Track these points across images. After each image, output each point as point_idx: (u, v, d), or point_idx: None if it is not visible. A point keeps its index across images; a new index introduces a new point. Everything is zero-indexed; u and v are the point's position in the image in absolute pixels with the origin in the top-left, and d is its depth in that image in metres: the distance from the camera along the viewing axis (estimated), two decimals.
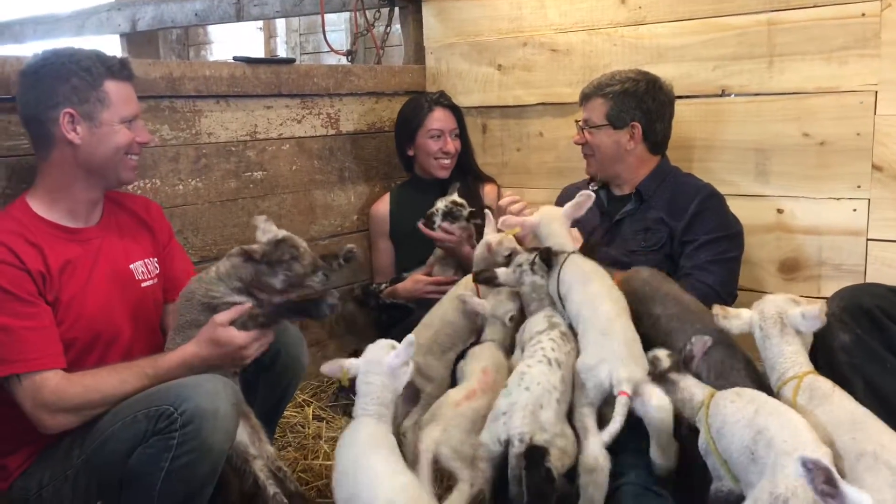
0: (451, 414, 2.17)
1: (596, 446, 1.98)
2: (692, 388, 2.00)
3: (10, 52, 2.42)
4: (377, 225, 3.43)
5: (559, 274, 2.32)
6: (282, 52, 6.72)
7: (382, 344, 2.07)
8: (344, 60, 4.04)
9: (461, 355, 2.55)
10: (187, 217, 2.84)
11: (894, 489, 1.61)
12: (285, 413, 3.05)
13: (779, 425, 1.71)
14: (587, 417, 2.07)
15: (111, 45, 5.24)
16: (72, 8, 5.68)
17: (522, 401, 2.02)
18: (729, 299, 2.62)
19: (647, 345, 2.21)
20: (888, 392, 1.99)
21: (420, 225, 3.03)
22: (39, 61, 2.11)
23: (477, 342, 2.53)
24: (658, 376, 2.02)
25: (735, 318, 2.06)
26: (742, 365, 2.08)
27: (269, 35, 6.69)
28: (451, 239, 3.00)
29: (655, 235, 2.72)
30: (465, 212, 3.02)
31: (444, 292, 2.80)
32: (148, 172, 2.70)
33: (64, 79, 2.07)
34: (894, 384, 1.99)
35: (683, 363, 2.06)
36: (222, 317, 2.06)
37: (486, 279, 2.49)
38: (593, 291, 2.23)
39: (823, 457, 1.60)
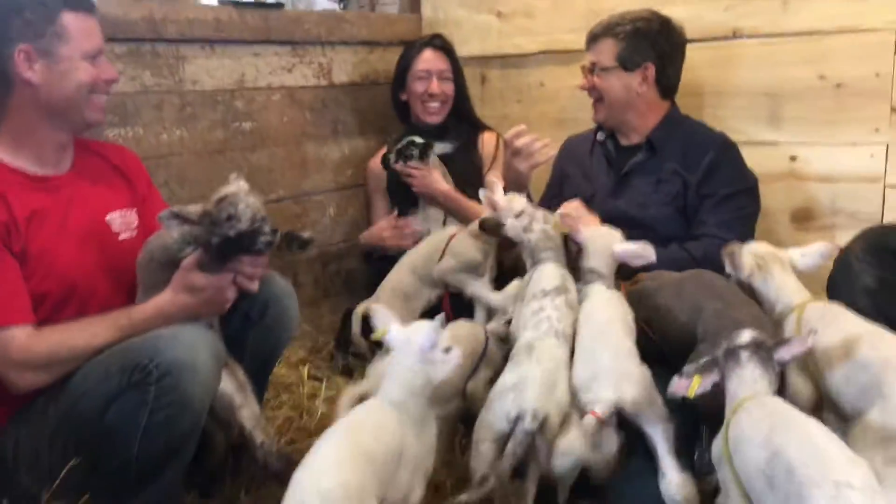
0: None
1: (574, 432, 1.87)
2: (742, 384, 1.68)
3: None
4: (374, 180, 3.33)
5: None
6: None
7: (421, 324, 1.84)
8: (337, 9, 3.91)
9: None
10: (172, 168, 2.73)
11: None
12: (279, 373, 2.98)
13: (799, 447, 1.45)
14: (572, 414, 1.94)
15: None
16: None
17: (535, 375, 1.90)
18: None
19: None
20: None
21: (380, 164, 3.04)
22: None
23: None
24: (727, 352, 1.73)
25: (740, 266, 2.05)
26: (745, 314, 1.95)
27: None
28: (413, 179, 2.96)
29: (668, 187, 2.61)
30: (416, 150, 2.95)
31: (406, 239, 2.90)
32: (130, 120, 2.59)
33: (16, 12, 1.95)
34: None
35: (769, 350, 1.72)
36: (190, 261, 1.97)
37: (492, 227, 2.39)
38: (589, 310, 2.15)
39: (858, 478, 1.37)
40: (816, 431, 1.49)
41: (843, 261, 2.03)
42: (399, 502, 1.70)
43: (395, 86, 3.28)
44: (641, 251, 2.23)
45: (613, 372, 1.91)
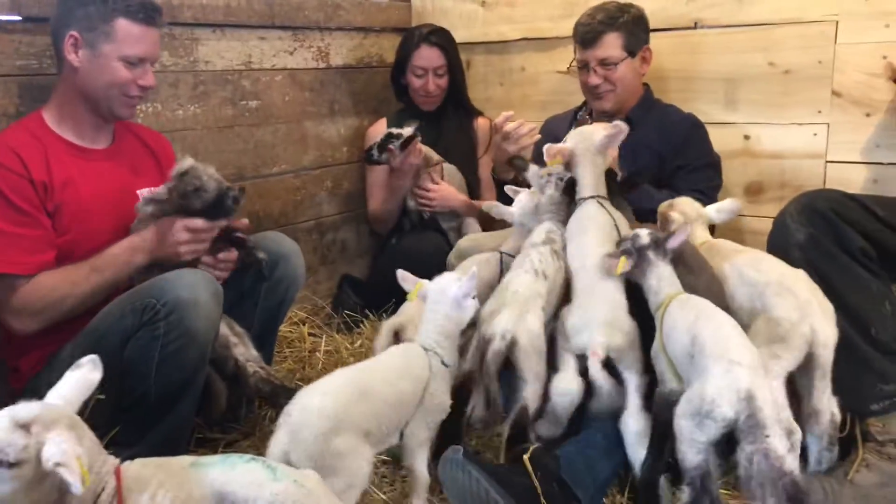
0: None
1: (571, 374, 2.09)
2: (662, 280, 2.07)
3: None
4: None
5: (572, 216, 2.38)
6: None
7: (450, 276, 2.10)
8: None
9: None
10: (186, 141, 2.95)
11: (798, 310, 1.98)
12: (282, 331, 3.22)
13: (710, 331, 1.84)
14: (568, 358, 2.13)
15: None
16: None
17: (508, 301, 2.13)
18: None
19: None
20: (839, 286, 2.19)
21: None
22: None
23: None
24: (637, 251, 2.09)
25: (671, 221, 2.38)
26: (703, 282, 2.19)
27: None
28: (432, 200, 3.22)
29: (643, 160, 2.84)
30: (398, 142, 3.10)
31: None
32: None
33: (82, 3, 2.16)
34: (844, 279, 2.20)
35: (664, 243, 2.10)
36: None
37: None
38: (586, 243, 2.25)
39: (747, 359, 1.75)
40: (726, 323, 1.89)
41: (780, 220, 2.30)
42: (409, 438, 1.92)
43: (395, 69, 3.49)
44: (614, 129, 2.36)
45: (606, 320, 2.09)
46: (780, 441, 1.69)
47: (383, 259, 3.45)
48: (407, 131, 3.13)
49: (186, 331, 2.01)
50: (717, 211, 2.43)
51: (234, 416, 2.54)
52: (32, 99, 2.40)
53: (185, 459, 1.53)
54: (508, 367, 2.13)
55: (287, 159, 3.39)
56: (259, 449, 2.40)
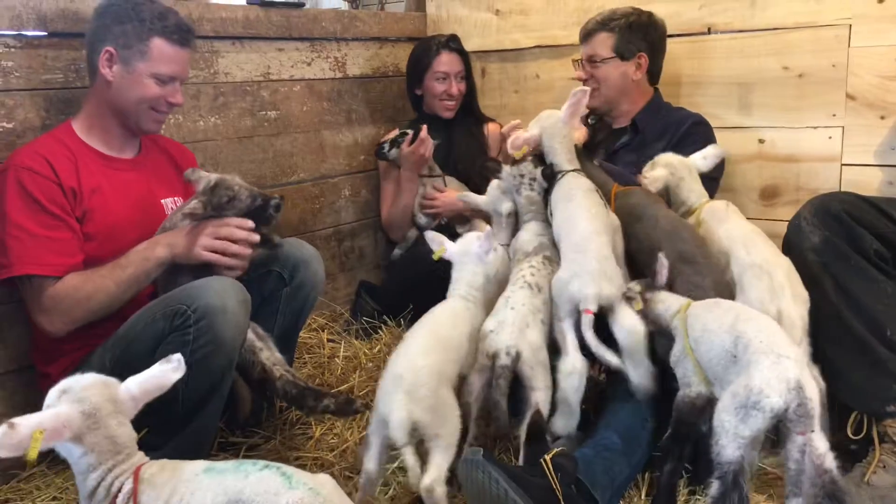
0: None
1: (573, 352, 2.14)
2: (668, 299, 2.15)
3: None
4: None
5: (552, 192, 2.43)
6: None
7: (470, 236, 2.41)
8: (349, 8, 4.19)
9: None
10: (207, 152, 3.02)
11: (770, 293, 2.11)
12: (302, 337, 3.27)
13: (756, 329, 1.88)
14: (566, 331, 2.18)
15: None
16: None
17: (510, 318, 2.17)
18: None
19: (638, 264, 2.39)
20: (853, 288, 2.19)
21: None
22: (112, 0, 2.29)
23: None
24: (639, 300, 2.17)
25: (654, 178, 2.51)
26: (709, 282, 2.24)
27: None
28: (437, 206, 3.34)
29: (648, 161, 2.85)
30: (392, 140, 3.30)
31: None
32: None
33: (120, 21, 2.24)
34: (859, 281, 2.19)
35: (652, 282, 2.20)
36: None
37: (492, 168, 2.61)
38: (573, 209, 2.31)
39: (794, 354, 1.80)
40: (769, 321, 1.96)
41: (794, 223, 2.30)
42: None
43: (410, 81, 3.55)
44: (574, 97, 2.45)
45: (596, 270, 2.15)
46: (820, 439, 1.72)
47: (396, 265, 3.51)
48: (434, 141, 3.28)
49: (215, 337, 2.04)
50: (703, 158, 2.56)
51: (256, 420, 2.59)
52: (58, 112, 2.47)
53: (199, 465, 1.55)
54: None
55: (305, 168, 3.45)
56: (280, 453, 2.45)
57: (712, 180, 2.76)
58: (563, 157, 2.46)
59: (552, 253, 2.39)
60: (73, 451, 1.51)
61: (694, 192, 2.54)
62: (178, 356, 1.62)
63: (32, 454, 1.40)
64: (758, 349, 1.81)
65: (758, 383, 1.74)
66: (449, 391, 2.02)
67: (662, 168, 2.54)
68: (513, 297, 2.24)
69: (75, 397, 1.50)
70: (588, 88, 2.52)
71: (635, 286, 2.22)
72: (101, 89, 2.30)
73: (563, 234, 2.31)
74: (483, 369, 2.15)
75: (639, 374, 2.13)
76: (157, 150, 2.54)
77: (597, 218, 2.29)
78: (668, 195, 2.58)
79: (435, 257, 2.39)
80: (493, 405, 2.09)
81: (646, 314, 2.16)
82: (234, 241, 2.23)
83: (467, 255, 2.36)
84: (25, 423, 1.41)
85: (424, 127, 3.26)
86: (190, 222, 2.25)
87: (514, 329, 2.14)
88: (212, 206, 2.24)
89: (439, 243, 2.40)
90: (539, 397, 2.12)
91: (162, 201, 2.48)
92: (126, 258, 2.21)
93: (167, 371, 1.60)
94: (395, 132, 3.41)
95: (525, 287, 2.26)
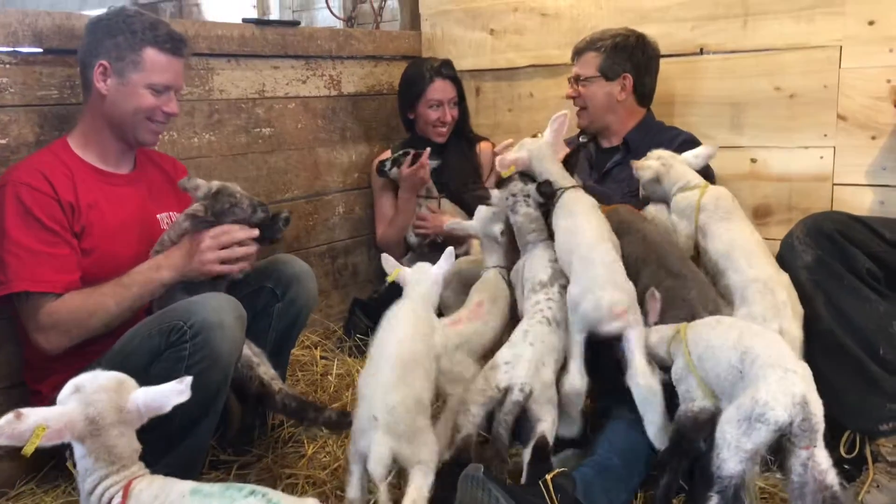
0: None
1: (576, 373, 2.15)
2: (660, 330, 2.16)
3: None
4: (379, 178, 3.57)
5: (554, 209, 2.44)
6: None
7: (423, 265, 2.29)
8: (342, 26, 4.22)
9: None
10: (202, 168, 3.02)
11: (774, 310, 2.14)
12: (295, 354, 3.26)
13: (763, 344, 1.88)
14: (576, 345, 2.19)
15: None
16: None
17: (527, 355, 2.16)
18: None
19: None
20: (846, 307, 2.21)
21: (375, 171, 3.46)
22: (104, 15, 2.31)
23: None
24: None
25: (646, 168, 2.54)
26: (695, 294, 2.25)
27: (263, 12, 6.83)
28: (427, 227, 3.35)
29: (637, 182, 2.87)
30: (407, 158, 3.31)
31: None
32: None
33: (112, 35, 2.25)
34: (852, 299, 2.21)
35: (645, 319, 2.20)
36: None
37: (479, 196, 2.63)
38: (577, 222, 2.33)
39: (802, 371, 1.80)
40: (775, 337, 1.97)
41: (787, 242, 2.32)
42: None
43: (403, 105, 3.54)
44: (557, 123, 2.54)
45: (607, 281, 2.17)
46: (823, 455, 1.72)
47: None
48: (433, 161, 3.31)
49: (211, 353, 2.03)
50: (694, 156, 2.60)
51: (248, 437, 2.57)
52: (52, 128, 2.47)
53: (186, 485, 1.55)
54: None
55: (300, 185, 3.45)
56: (272, 471, 2.43)
57: None
58: (558, 175, 2.49)
59: (565, 282, 2.36)
60: (78, 449, 1.54)
61: (686, 174, 2.54)
62: (189, 379, 1.62)
63: (30, 448, 1.43)
64: (766, 363, 1.82)
65: (764, 396, 1.74)
66: (425, 417, 1.96)
67: (654, 160, 2.58)
68: (532, 332, 2.22)
69: (85, 399, 1.53)
70: (567, 112, 2.61)
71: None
72: (96, 104, 2.31)
73: (569, 249, 2.31)
74: (488, 401, 2.13)
75: (653, 427, 2.10)
76: (152, 166, 2.55)
77: (600, 229, 2.33)
78: (658, 186, 2.60)
79: (388, 280, 2.29)
80: (496, 437, 2.10)
81: None
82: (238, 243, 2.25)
83: (426, 274, 2.24)
84: (33, 416, 1.44)
85: (427, 150, 3.26)
86: (191, 224, 2.26)
87: (531, 367, 2.14)
88: (212, 212, 2.25)
89: (392, 266, 2.29)
90: (545, 427, 2.12)
91: (157, 216, 2.48)
92: (129, 277, 2.21)
93: (174, 392, 1.61)
94: (387, 153, 3.46)
95: (544, 322, 2.25)
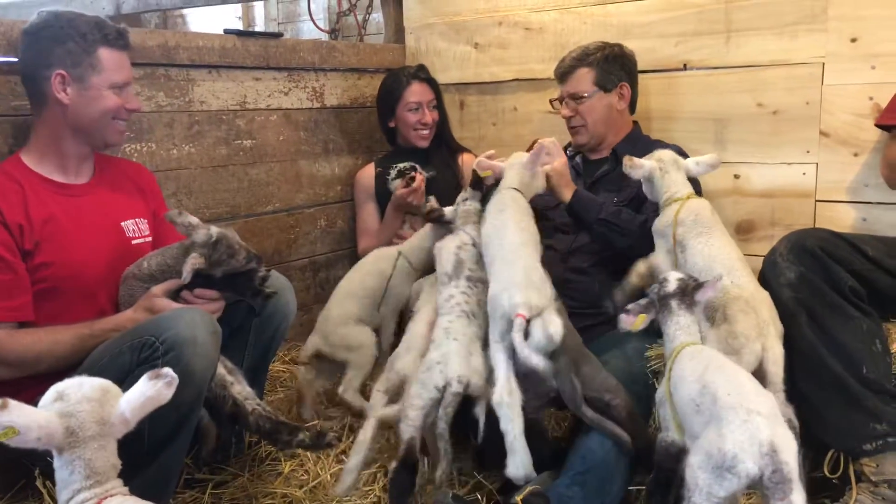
0: (424, 343, 2.36)
1: (503, 382, 2.07)
2: (680, 329, 2.03)
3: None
4: (364, 188, 3.56)
5: (488, 203, 2.51)
6: None
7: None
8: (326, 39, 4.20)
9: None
10: (181, 180, 2.98)
11: (757, 329, 2.10)
12: (275, 369, 3.22)
13: (723, 380, 1.79)
14: (498, 353, 2.11)
15: None
16: None
17: (454, 349, 2.20)
18: None
19: None
20: (829, 324, 2.19)
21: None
22: (41, 22, 2.23)
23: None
24: (660, 299, 2.07)
25: (638, 167, 2.51)
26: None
27: (248, 24, 6.79)
28: (397, 201, 3.30)
29: (626, 191, 2.87)
30: (399, 170, 3.30)
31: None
32: (144, 136, 2.84)
33: (60, 42, 2.19)
34: (835, 317, 2.20)
35: (691, 294, 2.06)
36: (159, 288, 2.21)
37: (436, 217, 2.74)
38: (504, 219, 2.37)
39: (765, 408, 1.69)
40: (739, 373, 1.85)
41: (770, 259, 2.30)
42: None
43: (382, 114, 3.53)
44: (536, 148, 2.59)
45: (523, 282, 2.15)
46: (799, 496, 1.62)
47: None
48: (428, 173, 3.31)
49: (183, 369, 1.93)
50: (695, 163, 2.55)
51: (224, 456, 2.52)
52: (26, 139, 2.41)
53: None
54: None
55: (281, 198, 3.41)
56: (248, 490, 2.38)
57: None
58: (510, 179, 2.56)
59: (472, 272, 2.42)
60: (55, 459, 1.51)
61: (677, 183, 2.51)
62: (168, 369, 1.56)
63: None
64: (725, 404, 1.72)
65: (730, 447, 1.65)
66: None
67: (654, 161, 2.54)
68: (452, 328, 2.27)
69: (66, 409, 1.49)
70: (550, 141, 2.71)
71: (671, 282, 2.08)
72: (54, 114, 2.25)
73: (492, 247, 2.33)
74: (427, 403, 2.14)
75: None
76: (113, 171, 2.48)
77: (525, 231, 2.36)
78: (650, 186, 2.58)
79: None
80: (439, 436, 2.12)
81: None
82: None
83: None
84: (14, 413, 1.41)
85: (424, 178, 3.25)
86: (190, 275, 2.19)
87: (461, 359, 2.19)
88: (209, 262, 2.21)
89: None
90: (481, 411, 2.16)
91: (122, 224, 2.41)
92: (90, 328, 2.16)
93: (160, 387, 1.54)
94: (369, 175, 3.52)
95: (462, 316, 2.31)
